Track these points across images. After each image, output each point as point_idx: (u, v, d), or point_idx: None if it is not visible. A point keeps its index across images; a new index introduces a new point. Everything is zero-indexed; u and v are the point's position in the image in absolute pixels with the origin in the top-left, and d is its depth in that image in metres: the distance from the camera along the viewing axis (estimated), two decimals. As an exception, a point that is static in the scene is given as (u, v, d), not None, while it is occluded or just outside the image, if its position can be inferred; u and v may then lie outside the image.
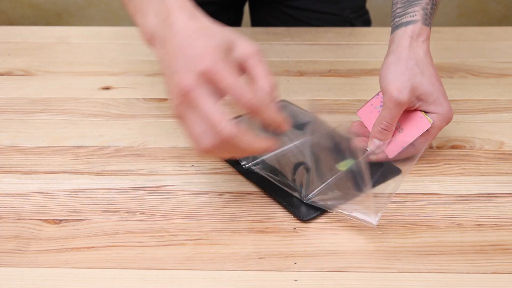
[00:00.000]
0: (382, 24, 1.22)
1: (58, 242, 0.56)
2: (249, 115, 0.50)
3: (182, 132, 0.52)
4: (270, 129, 0.52)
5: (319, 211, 0.59)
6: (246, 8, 1.19)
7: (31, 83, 0.84)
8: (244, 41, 0.52)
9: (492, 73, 0.86)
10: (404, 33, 0.65)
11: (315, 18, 1.06)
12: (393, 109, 0.63)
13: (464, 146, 0.70)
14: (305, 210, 0.59)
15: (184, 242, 0.56)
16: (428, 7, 0.65)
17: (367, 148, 0.65)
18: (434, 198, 0.62)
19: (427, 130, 0.64)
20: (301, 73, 0.87)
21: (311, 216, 0.58)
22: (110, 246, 0.56)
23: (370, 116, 0.66)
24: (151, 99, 0.80)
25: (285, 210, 0.59)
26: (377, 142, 0.65)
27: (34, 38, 0.97)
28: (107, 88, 0.82)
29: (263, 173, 0.64)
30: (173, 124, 0.74)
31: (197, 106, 0.49)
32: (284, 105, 0.75)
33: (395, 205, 0.61)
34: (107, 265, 0.54)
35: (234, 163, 0.65)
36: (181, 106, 0.50)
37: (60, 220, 0.59)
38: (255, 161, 0.64)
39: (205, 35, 0.51)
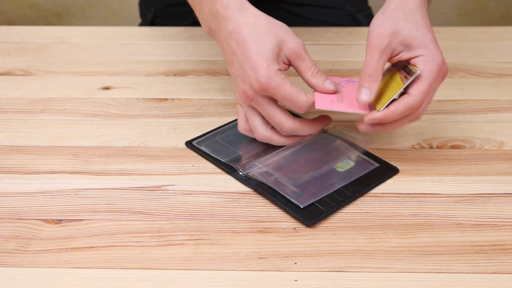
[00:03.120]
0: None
1: (58, 242, 0.56)
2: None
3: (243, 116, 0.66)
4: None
5: (323, 213, 0.59)
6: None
7: (31, 83, 0.84)
8: (289, 38, 0.62)
9: (492, 73, 0.86)
10: None
11: (316, 13, 1.06)
12: (373, 54, 0.61)
13: (464, 146, 0.70)
14: (309, 214, 0.58)
15: (184, 242, 0.56)
16: None
17: (361, 99, 0.61)
18: (434, 198, 0.62)
19: (421, 79, 0.60)
20: (301, 73, 0.87)
21: (316, 220, 0.58)
22: (110, 246, 0.56)
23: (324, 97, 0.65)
24: (151, 99, 0.80)
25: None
26: (365, 90, 0.61)
27: (34, 38, 0.97)
28: (107, 88, 0.82)
29: (203, 149, 0.68)
30: (173, 124, 0.74)
31: (260, 109, 0.63)
32: None
33: (395, 205, 0.61)
34: (107, 265, 0.54)
35: (231, 171, 0.65)
36: (245, 105, 0.64)
37: (60, 220, 0.59)
38: (251, 169, 0.64)
39: (257, 40, 0.61)
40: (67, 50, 0.93)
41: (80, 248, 0.55)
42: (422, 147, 0.70)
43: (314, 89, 0.64)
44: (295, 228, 0.58)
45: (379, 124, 0.62)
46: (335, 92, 0.64)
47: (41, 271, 0.53)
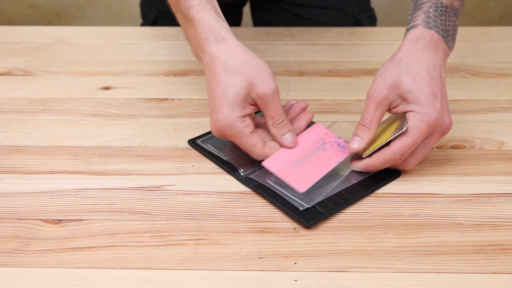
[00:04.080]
0: (383, 24, 1.22)
1: (58, 242, 0.56)
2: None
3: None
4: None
5: (322, 215, 0.59)
6: (248, 9, 1.19)
7: (31, 83, 0.84)
8: (260, 82, 0.61)
9: (492, 73, 0.86)
10: (405, 37, 0.64)
11: (318, 14, 1.06)
12: (370, 106, 0.62)
13: (464, 146, 0.70)
14: (308, 216, 0.58)
15: (184, 242, 0.56)
16: (431, 10, 0.64)
17: (352, 147, 0.62)
18: (434, 198, 0.62)
19: (405, 135, 0.60)
20: (301, 73, 0.87)
21: (315, 222, 0.58)
22: (110, 246, 0.56)
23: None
24: (151, 99, 0.80)
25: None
26: (357, 139, 0.62)
27: (34, 38, 0.97)
28: (107, 88, 0.82)
29: (207, 147, 0.68)
30: (173, 124, 0.74)
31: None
32: None
33: (395, 205, 0.61)
34: (107, 265, 0.54)
35: (232, 170, 0.65)
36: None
37: (60, 220, 0.59)
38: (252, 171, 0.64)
39: (224, 81, 0.60)
40: (67, 50, 0.93)
41: (80, 248, 0.55)
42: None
43: (274, 139, 0.64)
44: (295, 228, 0.58)
45: (361, 169, 0.64)
46: (290, 148, 0.63)
47: (41, 271, 0.53)
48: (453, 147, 0.70)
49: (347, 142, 0.65)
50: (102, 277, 0.52)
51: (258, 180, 0.62)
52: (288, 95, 0.81)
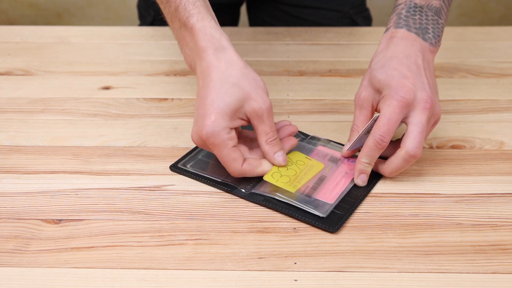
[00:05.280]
0: (383, 24, 1.22)
1: (58, 242, 0.56)
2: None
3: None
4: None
5: (342, 218, 0.58)
6: (243, 8, 1.19)
7: (31, 83, 0.84)
8: (256, 96, 0.60)
9: (492, 73, 0.86)
10: (382, 39, 0.67)
11: (314, 15, 1.06)
12: (355, 110, 0.65)
13: (464, 146, 0.70)
14: (330, 221, 0.58)
15: (184, 242, 0.56)
16: (403, 11, 0.66)
17: (343, 150, 0.66)
18: (434, 198, 0.62)
19: (379, 118, 0.60)
20: (301, 73, 0.87)
21: (339, 226, 0.57)
22: (110, 246, 0.56)
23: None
24: (151, 99, 0.80)
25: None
26: (347, 143, 0.65)
27: (34, 38, 0.97)
28: (107, 88, 0.82)
29: (194, 170, 0.65)
30: (173, 124, 0.74)
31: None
32: None
33: (395, 205, 0.61)
34: (107, 265, 0.54)
35: (231, 189, 0.62)
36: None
37: (60, 220, 0.59)
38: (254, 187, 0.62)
39: (218, 89, 0.59)
40: (67, 50, 0.93)
41: (80, 248, 0.55)
42: (422, 147, 0.70)
43: (265, 156, 0.62)
44: (295, 228, 0.58)
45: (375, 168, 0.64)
46: (282, 166, 0.63)
47: (41, 271, 0.53)
48: (453, 147, 0.70)
49: (332, 154, 0.67)
50: (102, 277, 0.52)
51: (264, 194, 0.61)
52: (288, 95, 0.81)
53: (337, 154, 0.67)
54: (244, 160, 0.61)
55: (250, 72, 0.61)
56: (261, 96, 0.60)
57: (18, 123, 0.75)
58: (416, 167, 0.66)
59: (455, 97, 0.80)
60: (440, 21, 0.66)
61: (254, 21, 1.15)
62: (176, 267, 0.53)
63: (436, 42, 0.65)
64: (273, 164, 0.63)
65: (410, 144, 0.60)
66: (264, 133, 0.61)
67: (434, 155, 0.68)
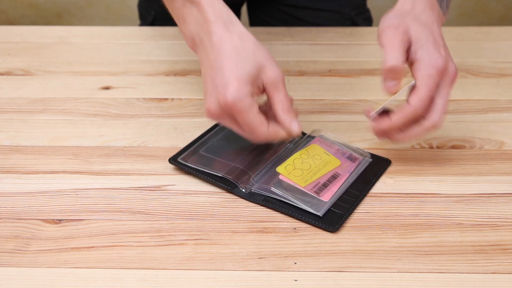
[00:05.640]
0: (382, 24, 1.21)
1: (58, 242, 0.56)
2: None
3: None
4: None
5: (342, 217, 0.58)
6: (244, 8, 1.19)
7: (31, 83, 0.84)
8: (270, 66, 0.60)
9: (492, 73, 0.86)
10: None
11: (314, 16, 1.06)
12: (393, 46, 0.60)
13: (464, 146, 0.70)
14: (330, 221, 0.58)
15: (184, 242, 0.56)
16: None
17: (386, 90, 0.61)
18: (434, 198, 0.62)
19: (419, 88, 0.59)
20: (301, 73, 0.87)
21: (339, 225, 0.57)
22: (110, 246, 0.56)
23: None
24: (151, 99, 0.80)
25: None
26: (390, 83, 0.61)
27: (34, 38, 0.97)
28: (107, 88, 0.82)
29: (194, 165, 0.64)
30: (173, 124, 0.74)
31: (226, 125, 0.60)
32: None
33: (395, 205, 0.61)
34: (107, 265, 0.54)
35: (231, 187, 0.62)
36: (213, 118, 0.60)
37: (60, 220, 0.59)
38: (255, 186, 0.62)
39: (236, 58, 0.58)
40: (67, 50, 0.93)
41: (80, 248, 0.55)
42: (422, 147, 0.70)
43: (281, 124, 0.61)
44: (295, 228, 0.58)
45: (390, 134, 0.61)
46: (297, 136, 0.62)
47: (41, 271, 0.53)
48: (453, 147, 0.70)
49: (351, 152, 0.66)
50: (102, 277, 0.52)
51: (264, 194, 0.61)
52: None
53: (355, 154, 0.66)
54: (268, 124, 0.60)
55: (260, 44, 0.61)
56: (275, 66, 0.60)
57: (18, 123, 0.75)
58: (416, 167, 0.66)
59: (455, 97, 0.80)
60: None
61: (254, 21, 1.15)
62: (176, 267, 0.53)
63: (447, 12, 0.66)
64: (290, 134, 0.61)
65: (436, 116, 0.60)
66: (279, 101, 0.60)
67: (434, 155, 0.68)
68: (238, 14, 1.17)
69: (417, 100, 0.59)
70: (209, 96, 0.59)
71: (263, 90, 0.61)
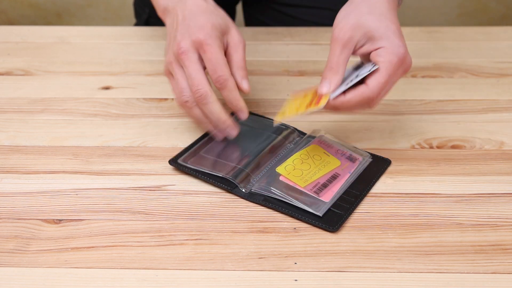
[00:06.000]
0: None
1: (58, 242, 0.56)
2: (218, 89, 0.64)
3: (171, 87, 0.68)
4: (232, 110, 0.66)
5: (342, 217, 0.58)
6: (239, 8, 1.19)
7: (31, 83, 0.84)
8: (236, 30, 0.67)
9: (492, 73, 0.86)
10: None
11: (309, 14, 1.05)
12: (335, 48, 0.62)
13: (464, 146, 0.70)
14: (330, 221, 0.58)
15: (184, 242, 0.56)
16: None
17: (321, 90, 0.61)
18: (434, 198, 0.62)
19: (379, 71, 0.59)
20: (301, 73, 0.87)
21: (339, 225, 0.57)
22: (110, 246, 0.56)
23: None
24: (151, 99, 0.80)
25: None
26: (326, 82, 0.61)
27: (34, 38, 0.97)
28: (107, 88, 0.82)
29: (195, 166, 0.64)
30: (173, 124, 0.74)
31: (185, 67, 0.64)
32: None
33: (395, 205, 0.61)
34: (107, 265, 0.54)
35: (231, 188, 0.62)
36: (172, 64, 0.65)
37: (60, 220, 0.59)
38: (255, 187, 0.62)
39: (209, 13, 0.66)
40: (67, 50, 0.93)
41: (80, 248, 0.55)
42: (422, 147, 0.70)
43: (234, 78, 0.66)
44: (295, 228, 0.58)
45: (334, 107, 0.62)
46: (246, 92, 0.67)
47: (41, 271, 0.53)
48: (453, 147, 0.70)
49: (351, 153, 0.66)
50: (102, 277, 0.52)
51: (264, 194, 0.61)
52: (288, 95, 0.81)
53: (355, 155, 0.66)
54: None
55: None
56: (239, 32, 0.68)
57: (18, 123, 0.75)
58: (416, 167, 0.66)
59: (455, 97, 0.80)
60: None
61: (249, 20, 1.14)
62: (176, 267, 0.53)
63: (401, 1, 0.67)
64: (239, 89, 0.66)
65: (377, 87, 0.60)
66: (237, 61, 0.66)
67: (434, 155, 0.68)
68: (233, 12, 1.17)
69: (376, 83, 0.59)
70: (180, 36, 0.65)
71: (225, 49, 0.66)
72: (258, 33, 0.98)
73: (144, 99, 0.80)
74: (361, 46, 0.62)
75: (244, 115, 0.66)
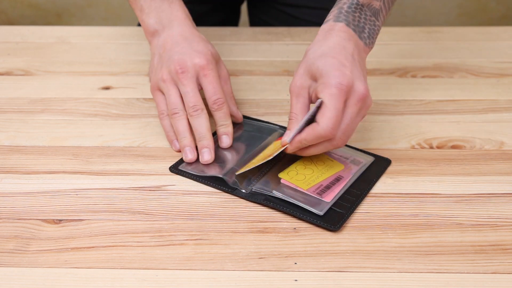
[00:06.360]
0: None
1: (58, 242, 0.56)
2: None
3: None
4: (218, 133, 0.69)
5: (344, 216, 0.58)
6: (245, 8, 1.19)
7: (31, 83, 0.84)
8: (223, 63, 0.73)
9: (492, 73, 0.86)
10: (320, 31, 0.66)
11: (311, 15, 1.05)
12: (291, 99, 0.63)
13: (464, 146, 0.70)
14: (331, 220, 0.58)
15: (184, 242, 0.56)
16: (345, 6, 0.65)
17: (283, 140, 0.62)
18: (434, 198, 0.62)
19: (324, 107, 0.59)
20: (301, 73, 0.87)
21: (340, 224, 0.57)
22: (110, 246, 0.56)
23: None
24: (151, 99, 0.80)
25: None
26: (287, 132, 0.62)
27: (34, 38, 0.97)
28: (107, 88, 0.82)
29: (192, 171, 0.64)
30: (173, 124, 0.74)
31: (182, 85, 0.68)
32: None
33: (395, 205, 0.61)
34: (107, 265, 0.54)
35: (231, 190, 0.62)
36: (166, 82, 0.69)
37: (60, 220, 0.59)
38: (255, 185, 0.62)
39: (205, 41, 0.72)
40: (67, 50, 0.93)
41: (80, 248, 0.55)
42: (422, 147, 0.70)
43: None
44: (295, 228, 0.58)
45: (296, 148, 0.62)
46: (239, 121, 0.73)
47: (41, 271, 0.53)
48: (453, 147, 0.70)
49: (354, 156, 0.66)
50: (102, 277, 0.52)
51: (265, 193, 0.61)
52: (288, 95, 0.81)
53: (359, 158, 0.66)
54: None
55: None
56: (224, 64, 0.74)
57: (18, 123, 0.75)
58: (416, 167, 0.66)
59: (455, 97, 0.80)
60: (377, 23, 0.66)
61: (254, 20, 1.15)
62: (176, 267, 0.53)
63: (370, 42, 0.66)
64: (232, 116, 0.71)
65: (339, 134, 0.60)
66: (228, 92, 0.72)
67: (434, 155, 0.68)
68: (237, 13, 1.17)
69: (324, 118, 0.59)
70: (183, 57, 0.69)
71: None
72: (259, 33, 0.98)
73: (144, 99, 0.80)
74: (315, 89, 0.62)
75: (227, 141, 0.69)
